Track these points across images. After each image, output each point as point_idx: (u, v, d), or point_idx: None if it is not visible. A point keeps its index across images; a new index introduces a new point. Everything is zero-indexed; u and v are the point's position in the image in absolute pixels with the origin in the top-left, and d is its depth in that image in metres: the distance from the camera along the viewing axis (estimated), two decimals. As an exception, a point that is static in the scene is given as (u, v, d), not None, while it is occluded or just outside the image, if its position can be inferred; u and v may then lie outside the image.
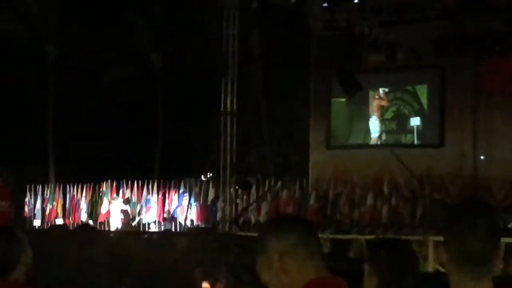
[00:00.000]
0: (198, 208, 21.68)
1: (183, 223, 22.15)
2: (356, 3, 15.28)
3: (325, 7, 15.58)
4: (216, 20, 15.97)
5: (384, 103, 17.70)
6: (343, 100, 17.73)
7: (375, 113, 17.74)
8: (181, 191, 22.69)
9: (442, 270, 3.28)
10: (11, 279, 4.21)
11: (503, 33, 14.94)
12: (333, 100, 17.99)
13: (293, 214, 14.32)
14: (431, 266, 12.62)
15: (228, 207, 16.38)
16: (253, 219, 17.93)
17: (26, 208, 24.38)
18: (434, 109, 17.18)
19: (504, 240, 3.14)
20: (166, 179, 23.46)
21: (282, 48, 16.69)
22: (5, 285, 4.18)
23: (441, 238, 3.02)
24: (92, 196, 24.43)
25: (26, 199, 24.67)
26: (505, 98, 15.75)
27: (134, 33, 26.94)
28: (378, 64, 16.85)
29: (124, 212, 23.12)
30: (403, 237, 12.18)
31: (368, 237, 14.11)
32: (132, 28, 26.77)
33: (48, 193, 25.12)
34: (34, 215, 24.44)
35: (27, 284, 4.22)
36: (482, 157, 16.18)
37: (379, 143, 17.69)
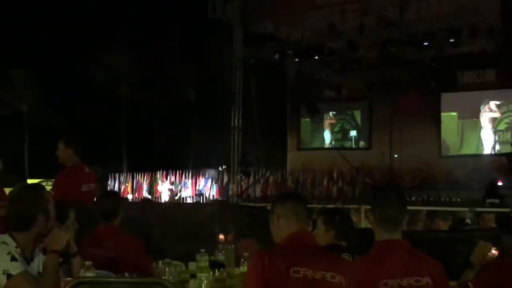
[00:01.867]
0: (217, 188, 21.71)
1: (207, 197, 22.17)
2: (317, 58, 15.34)
3: (296, 61, 15.62)
4: (228, 69, 16.01)
5: (333, 121, 17.74)
6: (308, 119, 17.77)
7: (328, 128, 17.78)
8: (206, 177, 22.76)
9: (370, 227, 3.29)
10: (114, 224, 4.41)
11: (410, 77, 15.04)
12: (302, 120, 18.01)
13: (292, 192, 14.30)
14: (363, 225, 12.59)
15: (236, 187, 16.36)
16: (252, 194, 17.93)
17: (108, 189, 24.42)
18: (365, 125, 17.23)
19: (410, 207, 3.15)
20: (197, 169, 23.59)
21: (270, 88, 16.71)
22: (111, 227, 4.38)
23: (369, 207, 3.05)
24: (150, 180, 24.48)
25: (108, 182, 24.73)
26: (411, 118, 15.75)
27: (179, 75, 27.43)
28: (330, 96, 16.95)
29: (170, 190, 23.16)
30: (345, 206, 12.20)
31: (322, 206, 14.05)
32: (178, 71, 27.24)
33: (122, 179, 25.20)
34: (113, 193, 24.46)
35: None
36: (396, 156, 16.20)
37: (330, 146, 17.74)
